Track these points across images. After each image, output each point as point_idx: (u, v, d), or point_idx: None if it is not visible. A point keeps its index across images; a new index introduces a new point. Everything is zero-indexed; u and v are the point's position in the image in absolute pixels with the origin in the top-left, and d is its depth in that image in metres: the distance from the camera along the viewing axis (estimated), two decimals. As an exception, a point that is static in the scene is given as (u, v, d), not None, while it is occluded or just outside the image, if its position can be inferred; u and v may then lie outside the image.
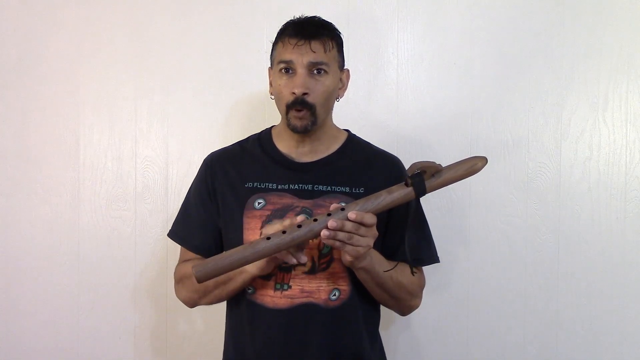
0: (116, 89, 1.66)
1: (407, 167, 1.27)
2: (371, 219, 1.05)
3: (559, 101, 1.57)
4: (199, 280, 1.07)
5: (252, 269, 1.13)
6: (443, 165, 1.11)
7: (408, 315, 1.32)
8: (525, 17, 1.58)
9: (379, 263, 1.15)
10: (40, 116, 1.68)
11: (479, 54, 1.59)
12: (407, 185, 1.09)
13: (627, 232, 1.56)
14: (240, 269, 1.12)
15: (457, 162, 1.12)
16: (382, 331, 1.31)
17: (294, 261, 1.08)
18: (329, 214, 1.05)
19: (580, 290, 1.57)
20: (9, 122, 1.69)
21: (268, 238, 1.05)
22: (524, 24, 1.58)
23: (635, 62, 1.56)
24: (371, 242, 1.07)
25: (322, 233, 1.03)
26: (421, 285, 1.27)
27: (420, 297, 1.29)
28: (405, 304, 1.26)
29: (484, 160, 1.12)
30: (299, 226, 1.05)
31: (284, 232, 1.05)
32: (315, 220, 1.05)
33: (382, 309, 1.30)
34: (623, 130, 1.56)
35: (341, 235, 1.04)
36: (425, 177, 1.09)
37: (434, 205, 1.56)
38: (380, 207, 1.08)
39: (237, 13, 1.63)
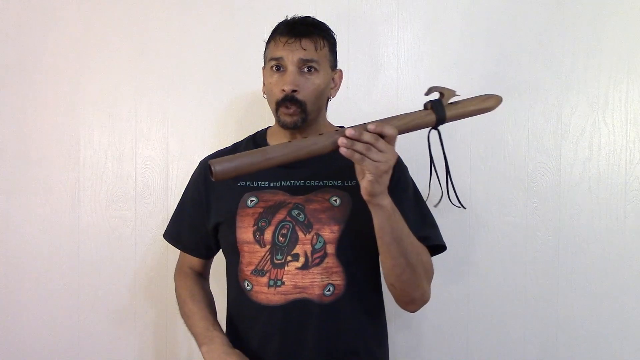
0: (116, 89, 1.66)
1: (410, 169, 1.28)
2: (391, 129, 1.01)
3: (559, 101, 1.57)
4: (216, 178, 0.98)
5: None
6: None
7: (407, 316, 1.31)
8: (525, 17, 1.58)
9: (399, 217, 1.10)
10: (40, 116, 1.67)
11: (479, 54, 1.59)
12: (426, 108, 1.08)
13: (627, 232, 1.56)
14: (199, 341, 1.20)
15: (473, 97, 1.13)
16: (382, 331, 1.31)
17: None
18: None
19: (580, 290, 1.57)
20: (9, 122, 1.68)
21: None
22: (524, 24, 1.58)
23: (635, 62, 1.56)
24: (392, 160, 1.01)
25: (339, 141, 0.99)
26: (431, 270, 1.21)
27: (430, 287, 1.21)
28: (418, 283, 1.16)
29: (499, 98, 1.16)
30: (320, 134, 1.04)
31: (305, 137, 1.05)
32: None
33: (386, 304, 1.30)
34: (623, 130, 1.56)
35: (359, 146, 0.99)
36: (444, 101, 1.08)
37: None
38: (401, 124, 1.05)
39: (237, 13, 1.64)
